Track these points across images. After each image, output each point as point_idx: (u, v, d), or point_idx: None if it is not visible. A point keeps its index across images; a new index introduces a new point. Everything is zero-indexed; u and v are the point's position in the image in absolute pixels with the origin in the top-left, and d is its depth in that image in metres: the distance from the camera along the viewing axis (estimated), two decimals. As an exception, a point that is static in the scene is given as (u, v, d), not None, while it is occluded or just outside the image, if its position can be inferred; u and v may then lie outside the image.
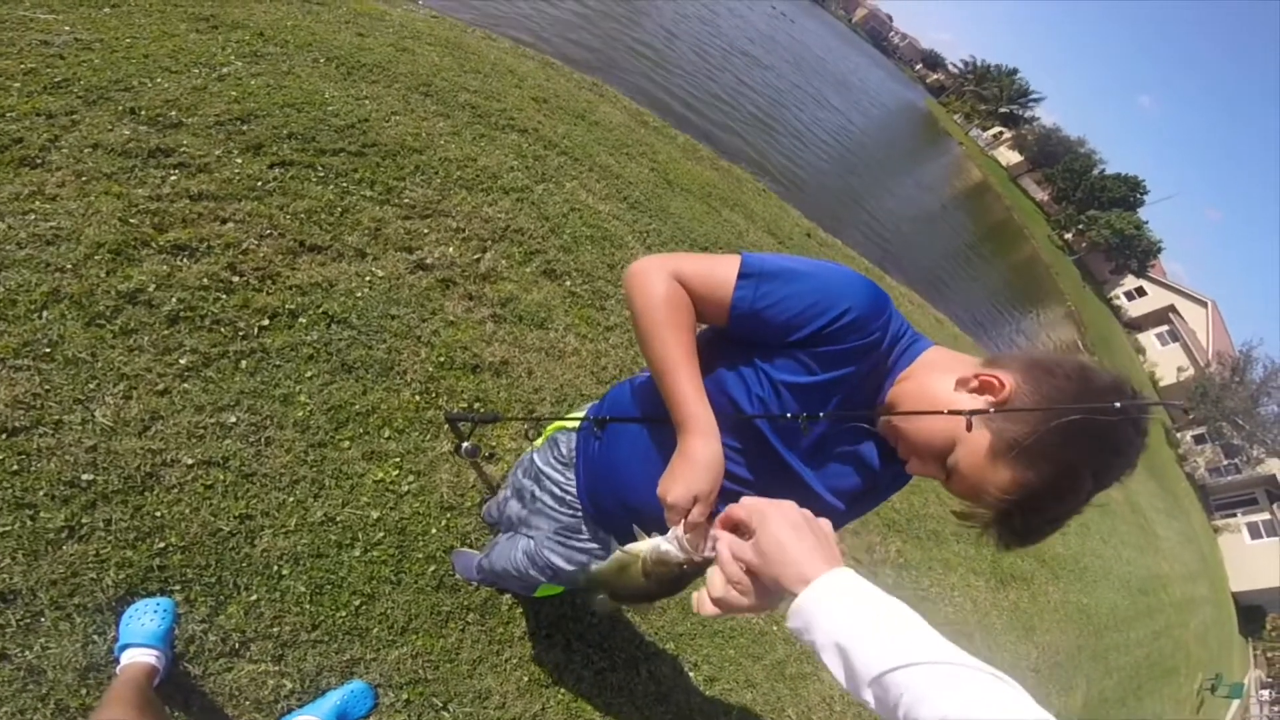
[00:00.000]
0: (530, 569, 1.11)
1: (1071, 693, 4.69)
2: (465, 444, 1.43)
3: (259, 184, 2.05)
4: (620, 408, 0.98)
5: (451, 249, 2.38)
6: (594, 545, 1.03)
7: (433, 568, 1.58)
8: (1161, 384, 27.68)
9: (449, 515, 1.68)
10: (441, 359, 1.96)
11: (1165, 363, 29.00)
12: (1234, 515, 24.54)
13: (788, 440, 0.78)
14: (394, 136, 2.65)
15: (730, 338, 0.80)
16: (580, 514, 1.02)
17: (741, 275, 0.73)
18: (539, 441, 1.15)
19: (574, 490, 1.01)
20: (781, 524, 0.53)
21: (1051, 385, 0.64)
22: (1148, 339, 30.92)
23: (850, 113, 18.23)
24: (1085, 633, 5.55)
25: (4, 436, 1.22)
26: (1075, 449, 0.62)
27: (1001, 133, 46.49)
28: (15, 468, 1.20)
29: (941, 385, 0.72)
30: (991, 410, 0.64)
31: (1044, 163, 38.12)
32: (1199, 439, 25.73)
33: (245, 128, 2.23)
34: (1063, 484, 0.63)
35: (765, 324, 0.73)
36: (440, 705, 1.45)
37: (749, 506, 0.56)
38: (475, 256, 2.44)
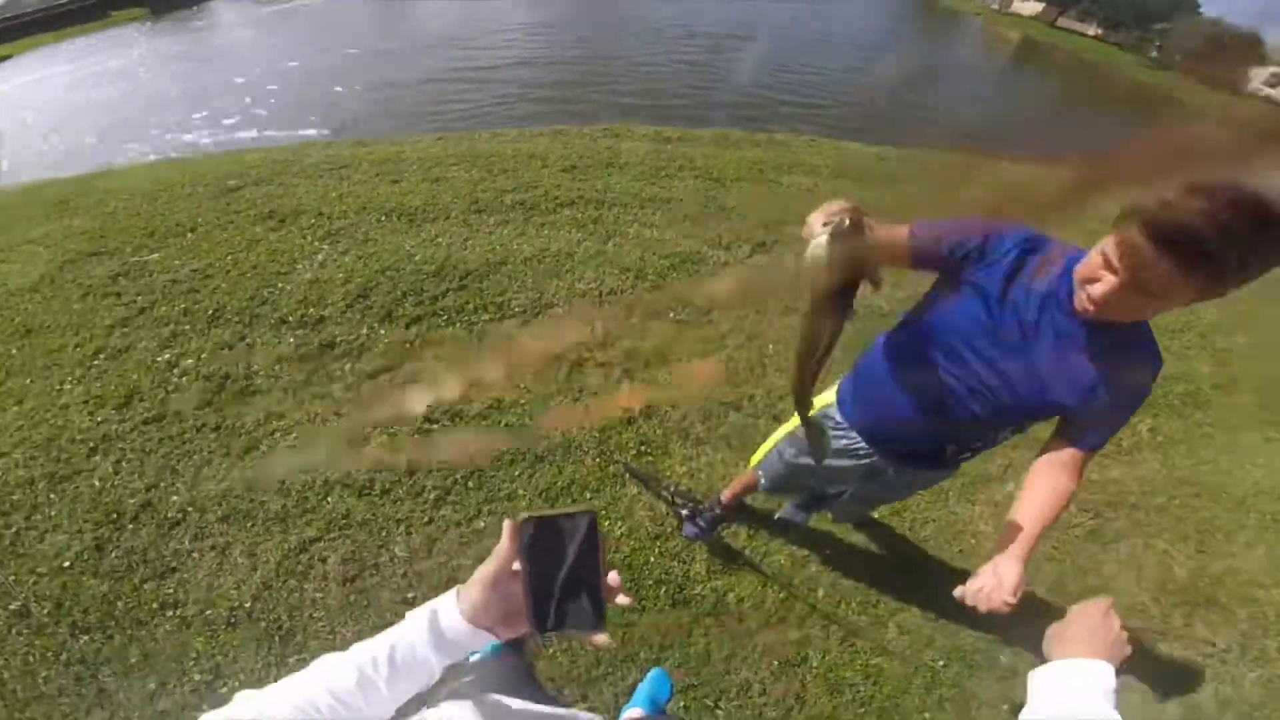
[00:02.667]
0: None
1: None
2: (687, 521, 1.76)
3: (407, 344, 2.62)
4: (869, 368, 1.25)
5: (568, 332, 2.83)
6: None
7: (663, 589, 1.89)
8: None
9: (659, 543, 2.00)
10: (602, 423, 2.35)
11: None
12: None
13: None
14: (477, 260, 3.17)
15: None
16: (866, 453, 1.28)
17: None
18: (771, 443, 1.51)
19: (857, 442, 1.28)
20: (1081, 619, 0.72)
21: None
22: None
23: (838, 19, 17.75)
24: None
25: (346, 584, 1.73)
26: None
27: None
28: (365, 603, 1.69)
29: None
30: None
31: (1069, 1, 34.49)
32: None
33: (368, 302, 2.83)
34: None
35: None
36: (712, 704, 1.71)
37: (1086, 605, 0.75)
38: (588, 330, 2.86)
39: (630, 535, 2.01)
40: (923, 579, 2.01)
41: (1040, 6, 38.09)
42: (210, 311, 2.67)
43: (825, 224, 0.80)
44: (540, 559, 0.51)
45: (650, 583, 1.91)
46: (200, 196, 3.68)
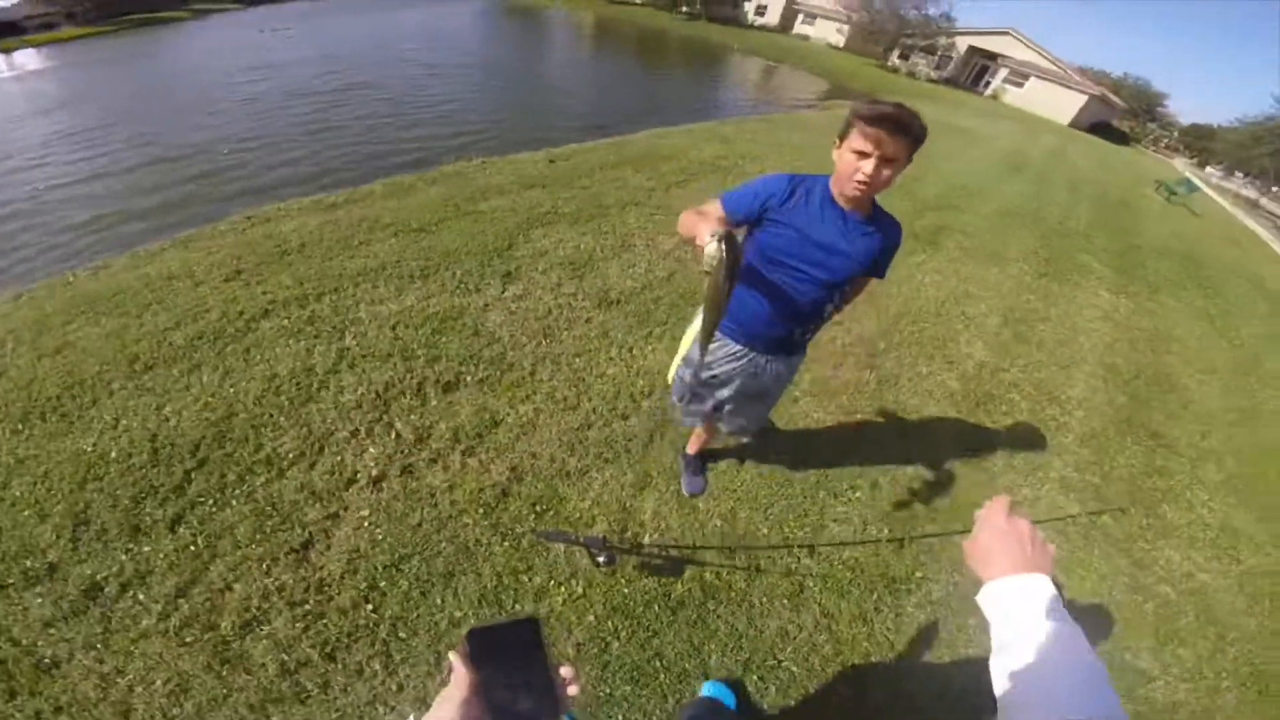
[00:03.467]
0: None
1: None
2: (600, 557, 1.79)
3: (192, 548, 2.03)
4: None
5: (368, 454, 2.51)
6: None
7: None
8: (839, 46, 33.52)
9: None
10: (479, 507, 2.19)
11: (823, 33, 35.24)
12: (989, 82, 31.35)
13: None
14: (194, 425, 2.55)
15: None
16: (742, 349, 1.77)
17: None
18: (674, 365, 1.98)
19: (736, 346, 1.76)
20: (987, 529, 0.73)
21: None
22: (802, 29, 36.74)
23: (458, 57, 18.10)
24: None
25: None
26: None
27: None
28: None
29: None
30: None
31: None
32: (903, 56, 31.68)
33: (92, 526, 2.10)
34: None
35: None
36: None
37: (986, 511, 0.76)
38: (392, 439, 2.57)
39: (584, 596, 1.98)
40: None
41: None
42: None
43: (710, 234, 1.20)
44: (491, 669, 0.54)
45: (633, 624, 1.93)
46: None
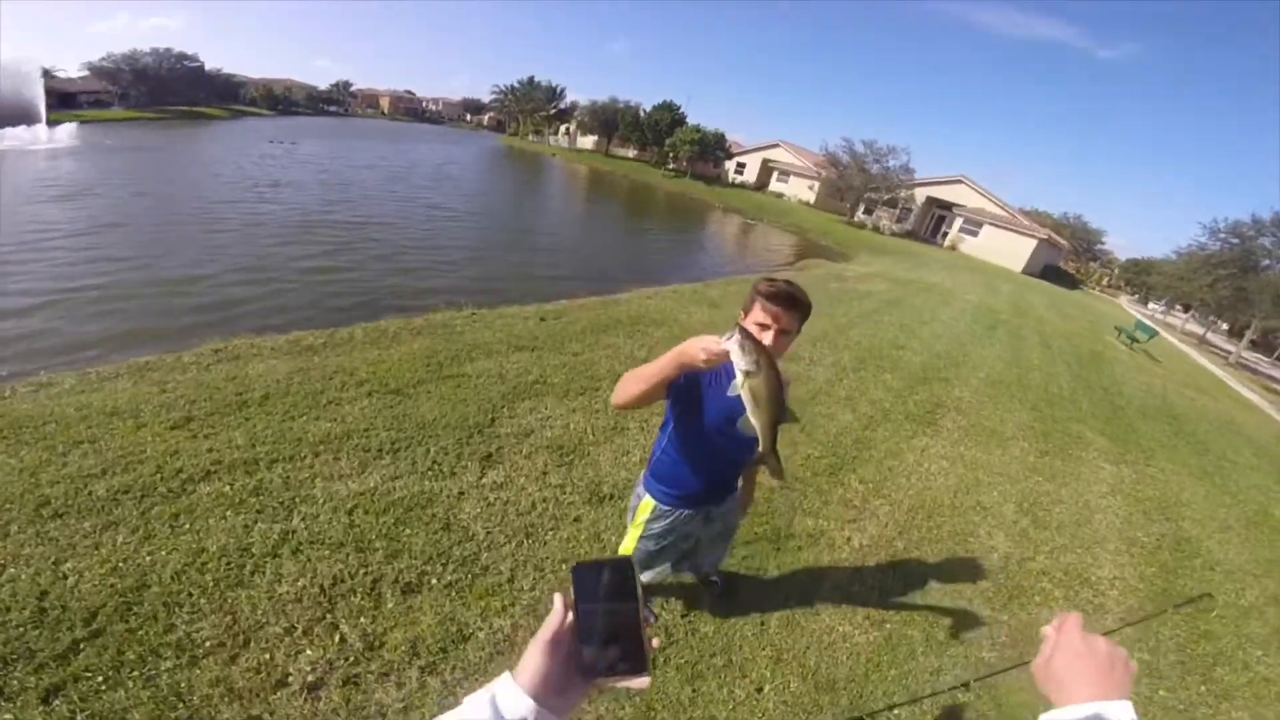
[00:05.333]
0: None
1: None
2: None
3: None
4: (664, 464, 1.87)
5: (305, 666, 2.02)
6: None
7: None
8: (810, 202, 36.68)
9: None
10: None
11: (797, 191, 38.79)
12: (946, 233, 33.84)
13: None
14: (96, 589, 2.05)
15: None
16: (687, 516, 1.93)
17: None
18: (633, 541, 1.97)
19: (685, 511, 1.91)
20: (1064, 652, 0.68)
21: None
22: (777, 186, 40.62)
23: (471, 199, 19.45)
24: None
25: None
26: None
27: (569, 126, 54.87)
28: None
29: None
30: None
31: (612, 130, 46.35)
32: (867, 211, 34.68)
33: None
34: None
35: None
36: None
37: (1062, 623, 0.72)
38: (335, 644, 2.10)
39: None
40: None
41: (594, 139, 49.60)
42: None
43: (723, 339, 1.26)
44: (586, 608, 0.55)
45: None
46: None
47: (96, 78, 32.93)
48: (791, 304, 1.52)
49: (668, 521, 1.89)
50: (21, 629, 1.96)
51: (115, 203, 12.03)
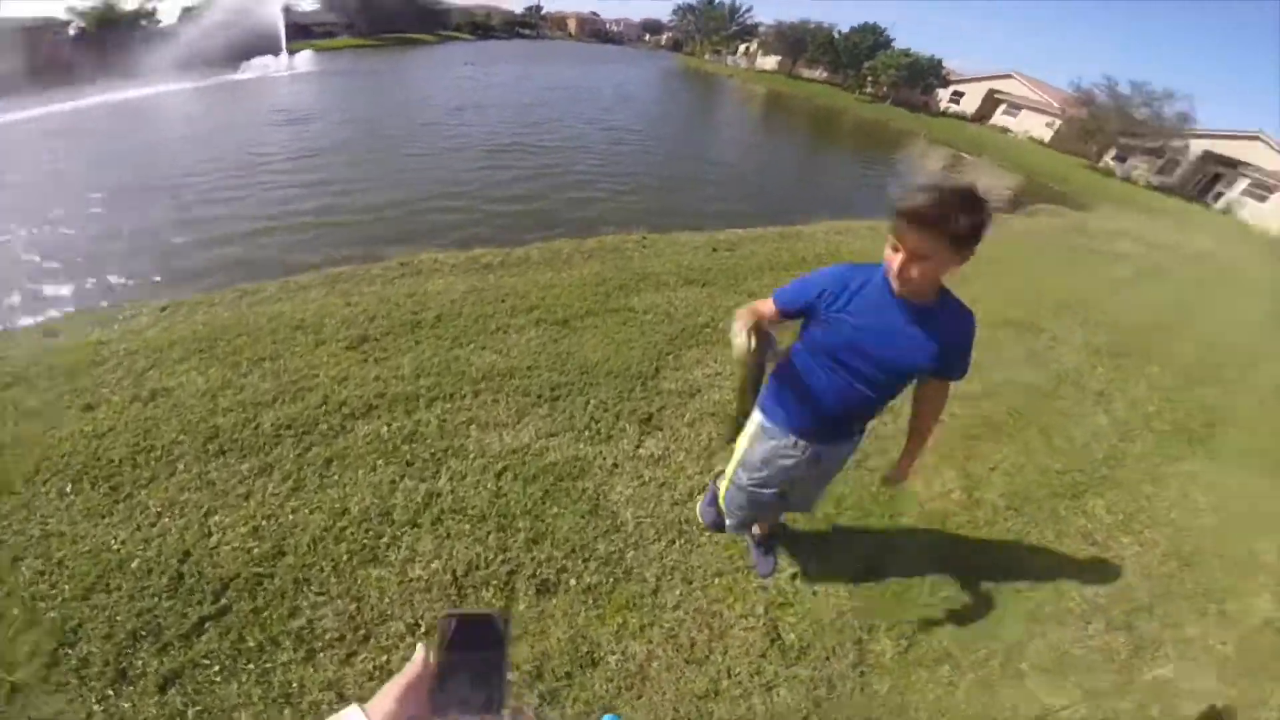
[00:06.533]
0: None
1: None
2: None
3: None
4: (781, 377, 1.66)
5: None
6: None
7: None
8: (1045, 141, 30.55)
9: None
10: None
11: (1027, 126, 32.19)
12: (1220, 193, 26.24)
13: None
14: (234, 554, 2.12)
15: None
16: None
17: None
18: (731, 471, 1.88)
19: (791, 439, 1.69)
20: None
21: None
22: (1002, 120, 34.18)
23: (640, 117, 19.03)
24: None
25: None
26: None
27: (748, 46, 51.35)
28: None
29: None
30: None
31: (798, 52, 42.31)
32: (1119, 158, 28.09)
33: (75, 656, 1.67)
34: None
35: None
36: None
37: None
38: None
39: None
40: None
41: (776, 60, 45.92)
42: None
43: (742, 327, 1.30)
44: (455, 655, 0.53)
45: None
46: None
47: (326, 9, 37.37)
48: (918, 222, 1.18)
49: (769, 446, 1.70)
50: (156, 599, 1.91)
51: (339, 132, 13.11)
